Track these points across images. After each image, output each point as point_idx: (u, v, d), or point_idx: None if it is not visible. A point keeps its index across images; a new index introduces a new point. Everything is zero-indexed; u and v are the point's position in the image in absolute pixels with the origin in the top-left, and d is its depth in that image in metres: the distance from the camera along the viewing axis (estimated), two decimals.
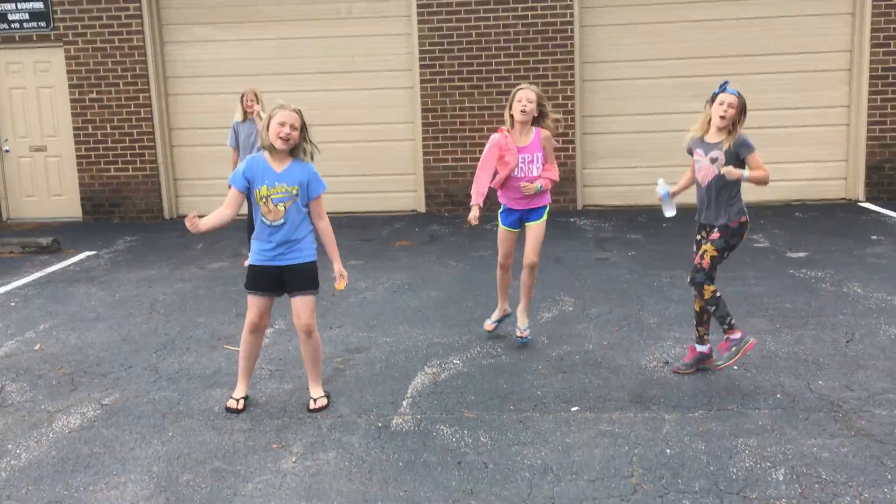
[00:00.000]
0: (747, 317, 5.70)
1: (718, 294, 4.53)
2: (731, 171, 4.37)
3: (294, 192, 4.27)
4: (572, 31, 10.23)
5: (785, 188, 10.38)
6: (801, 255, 7.63)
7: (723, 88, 4.48)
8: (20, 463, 3.90)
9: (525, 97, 5.07)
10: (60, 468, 3.83)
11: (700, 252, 4.56)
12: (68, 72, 10.65)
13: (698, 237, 4.69)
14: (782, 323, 5.61)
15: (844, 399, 4.29)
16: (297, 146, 4.30)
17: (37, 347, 5.66)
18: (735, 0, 10.20)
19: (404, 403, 4.46)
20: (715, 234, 4.53)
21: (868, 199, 10.33)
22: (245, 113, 7.77)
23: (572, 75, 10.34)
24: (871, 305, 5.93)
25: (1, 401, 4.70)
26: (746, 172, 4.41)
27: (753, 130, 11.01)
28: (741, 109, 4.45)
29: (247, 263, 4.56)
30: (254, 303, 4.39)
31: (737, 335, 4.52)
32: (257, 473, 3.71)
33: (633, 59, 10.41)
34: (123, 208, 10.92)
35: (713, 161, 4.50)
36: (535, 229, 5.29)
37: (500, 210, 5.34)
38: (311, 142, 4.34)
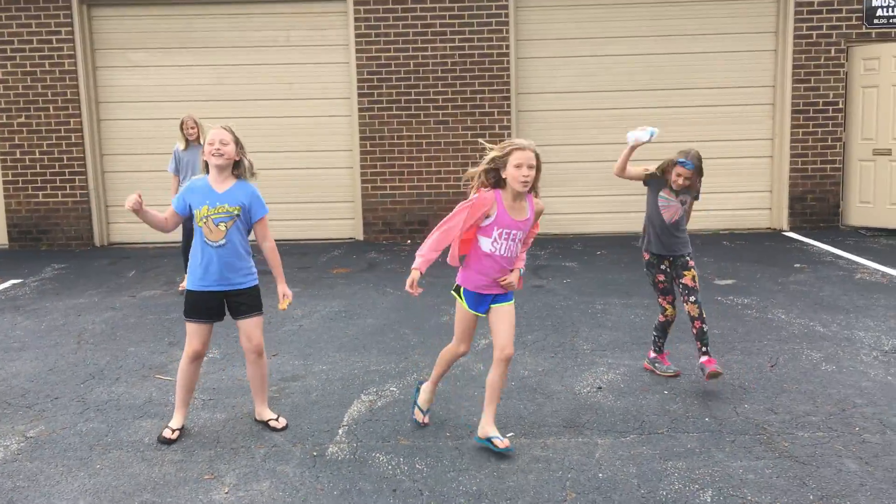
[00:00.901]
0: (677, 342, 5.84)
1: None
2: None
3: (235, 212, 4.25)
4: (508, 62, 10.43)
5: (713, 217, 10.72)
6: (729, 282, 7.87)
7: (682, 163, 4.88)
8: None
9: (526, 162, 3.99)
10: None
11: (690, 277, 5.00)
12: None
13: (662, 266, 5.09)
14: (710, 348, 5.76)
15: (769, 422, 4.43)
16: (238, 164, 4.29)
17: None
18: (668, 36, 10.56)
19: (340, 431, 4.44)
20: (691, 262, 5.04)
21: (792, 229, 10.73)
22: (186, 140, 7.68)
23: (508, 106, 10.52)
24: (794, 331, 6.15)
25: None
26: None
27: None
28: (699, 173, 4.96)
29: (183, 287, 4.51)
30: (195, 331, 4.33)
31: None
32: None
33: (568, 90, 10.66)
34: (52, 235, 10.64)
35: (683, 203, 5.03)
36: (507, 312, 4.13)
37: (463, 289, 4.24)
38: (246, 158, 4.34)
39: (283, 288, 4.44)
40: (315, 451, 4.19)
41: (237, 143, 4.29)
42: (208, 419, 4.65)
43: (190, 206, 4.26)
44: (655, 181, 5.04)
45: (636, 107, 10.55)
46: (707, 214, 10.78)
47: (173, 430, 4.38)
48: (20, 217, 10.59)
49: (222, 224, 4.23)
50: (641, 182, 5.12)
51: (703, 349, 5.00)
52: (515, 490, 3.72)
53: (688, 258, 5.05)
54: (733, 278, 8.02)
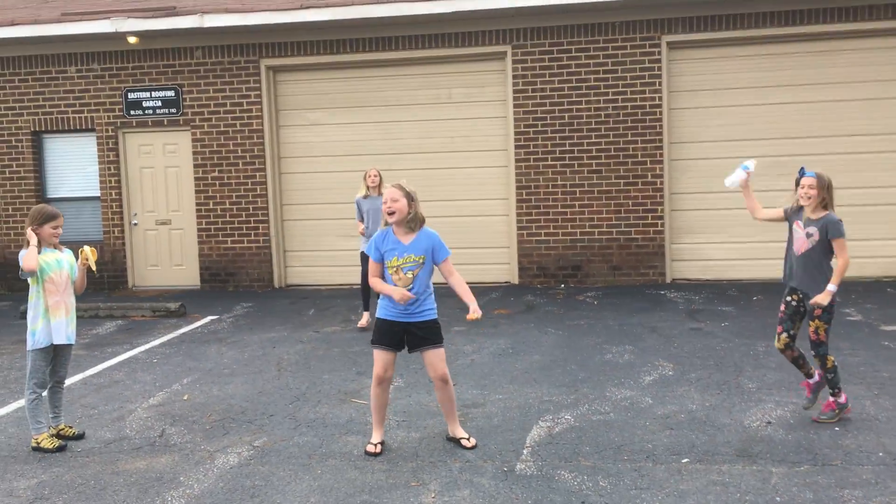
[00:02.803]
0: (845, 384, 5.92)
1: (836, 363, 5.19)
2: (820, 302, 5.01)
3: (421, 260, 4.83)
4: (661, 113, 10.77)
5: (875, 264, 10.53)
6: (895, 328, 7.80)
7: (802, 173, 5.13)
8: (193, 492, 4.46)
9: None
10: (230, 497, 4.37)
11: (814, 329, 5.11)
12: (193, 153, 11.70)
13: (788, 298, 5.27)
14: (880, 390, 5.84)
15: None
16: (412, 217, 4.85)
17: (185, 398, 6.31)
18: (826, 84, 10.59)
19: (525, 452, 4.89)
20: (818, 311, 5.07)
21: None
22: (367, 188, 8.48)
23: (661, 155, 10.83)
24: None
25: (164, 441, 5.31)
26: (832, 286, 5.01)
27: (846, 208, 11.39)
28: (825, 188, 5.05)
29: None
30: (379, 357, 4.91)
31: (842, 399, 5.15)
32: None
33: (720, 139, 10.85)
34: (237, 277, 11.76)
35: (808, 236, 5.09)
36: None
37: None
38: (419, 211, 4.87)
39: (474, 305, 4.85)
40: (505, 467, 4.66)
41: (408, 197, 4.86)
42: (405, 437, 5.22)
43: (383, 255, 4.88)
44: (793, 214, 5.27)
45: (788, 154, 10.57)
46: (868, 262, 10.60)
47: (375, 445, 4.96)
48: (211, 261, 11.79)
49: (410, 273, 4.81)
50: (785, 220, 5.36)
51: (804, 372, 5.28)
52: None
53: (817, 307, 5.04)
54: None
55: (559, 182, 11.05)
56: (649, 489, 4.27)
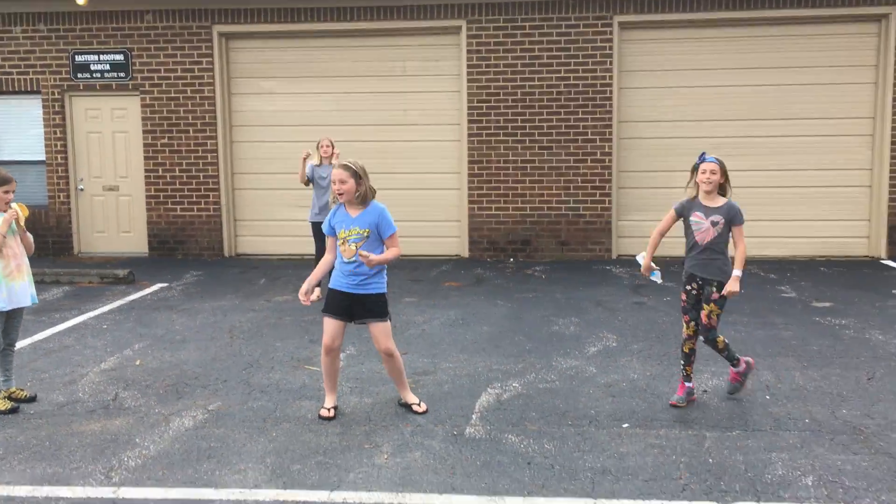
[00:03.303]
0: (778, 356, 6.28)
1: (726, 340, 5.31)
2: (733, 290, 5.05)
3: (365, 233, 4.94)
4: (611, 92, 11.00)
5: (810, 244, 10.99)
6: (826, 304, 8.19)
7: (702, 159, 5.18)
8: (150, 453, 4.54)
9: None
10: (186, 457, 4.47)
11: (707, 312, 5.15)
12: (143, 118, 11.54)
13: (688, 287, 5.28)
14: (809, 362, 6.18)
15: (865, 425, 4.85)
16: (362, 194, 4.96)
17: (137, 363, 6.34)
18: (772, 68, 10.93)
19: (473, 417, 5.07)
20: (715, 295, 5.12)
21: (890, 258, 10.88)
22: (321, 158, 8.51)
23: (610, 133, 11.07)
24: (890, 350, 6.48)
25: (118, 405, 5.36)
26: (738, 271, 5.07)
27: (785, 189, 11.75)
28: (724, 173, 5.15)
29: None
30: (328, 325, 5.01)
31: (742, 367, 5.35)
32: (356, 466, 4.33)
33: (669, 119, 11.13)
34: (186, 245, 11.69)
35: (714, 224, 5.13)
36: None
37: None
38: (368, 186, 4.98)
39: (371, 256, 4.82)
40: (455, 431, 4.83)
41: (356, 175, 4.96)
42: (358, 402, 5.36)
43: (334, 228, 4.99)
44: (685, 210, 5.24)
45: (736, 136, 10.93)
46: (804, 241, 11.06)
47: (329, 409, 5.09)
48: (160, 228, 11.69)
49: (354, 244, 4.92)
50: (679, 221, 5.33)
51: (685, 373, 5.30)
52: (635, 469, 4.27)
53: (714, 289, 5.11)
54: (831, 301, 8.33)
55: (510, 157, 11.22)
56: (591, 451, 4.50)
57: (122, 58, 11.44)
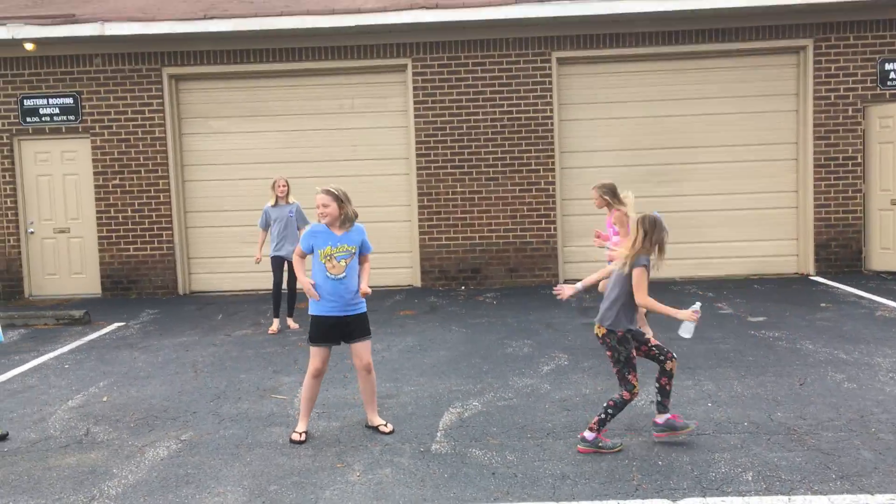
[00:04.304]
0: (717, 367, 6.72)
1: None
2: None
3: (353, 250, 5.26)
4: (552, 124, 11.51)
5: (743, 264, 11.60)
6: (760, 319, 8.71)
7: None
8: (129, 482, 4.71)
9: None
10: (165, 484, 4.65)
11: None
12: (93, 160, 11.63)
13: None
14: (746, 371, 6.62)
15: (798, 425, 5.28)
16: (345, 217, 5.28)
17: (104, 399, 6.46)
18: (702, 98, 11.59)
19: (438, 434, 5.35)
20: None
21: (818, 274, 11.54)
22: (276, 198, 8.75)
23: (553, 163, 11.56)
24: (820, 358, 6.98)
25: (91, 439, 5.50)
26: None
27: (717, 213, 12.31)
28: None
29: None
30: (317, 353, 5.28)
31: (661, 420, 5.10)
32: (330, 484, 4.57)
33: (606, 149, 11.69)
34: (140, 284, 11.75)
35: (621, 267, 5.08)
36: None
37: None
38: (350, 209, 5.32)
39: (364, 287, 5.28)
40: (421, 447, 5.11)
41: (338, 200, 5.29)
42: (326, 426, 5.59)
43: (313, 246, 5.28)
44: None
45: (669, 163, 11.54)
46: (737, 261, 11.67)
47: (300, 434, 5.32)
48: (113, 269, 11.74)
49: (343, 261, 5.23)
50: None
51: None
52: (591, 473, 4.60)
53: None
54: (764, 316, 8.86)
55: (458, 189, 11.61)
56: (551, 460, 4.82)
57: (72, 101, 11.54)
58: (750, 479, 4.45)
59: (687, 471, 4.58)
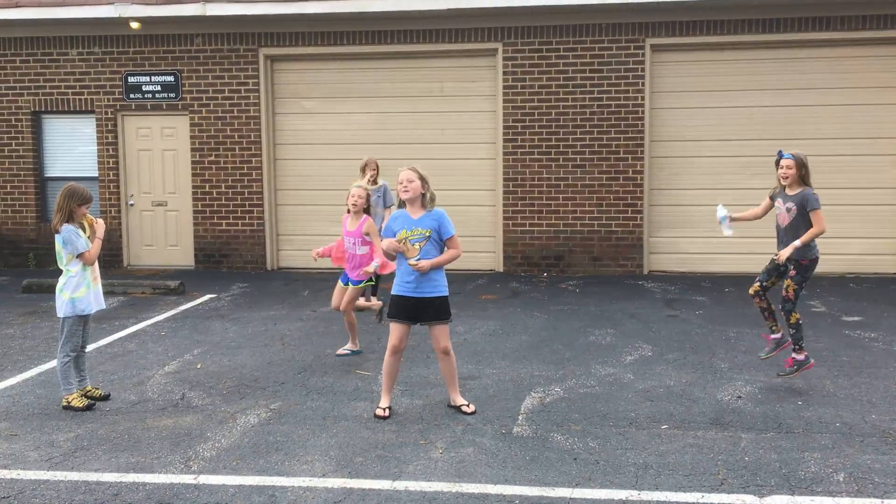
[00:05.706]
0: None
1: (801, 321, 5.91)
2: (781, 257, 5.79)
3: (427, 234, 5.32)
4: (643, 112, 11.31)
5: (839, 261, 11.18)
6: (856, 318, 8.41)
7: (780, 155, 5.96)
8: (222, 445, 4.91)
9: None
10: (256, 450, 4.83)
11: (784, 287, 5.85)
12: (191, 137, 12.04)
13: (773, 257, 5.95)
14: (839, 371, 6.42)
15: (894, 429, 5.10)
16: (423, 196, 5.34)
17: (198, 366, 6.73)
18: (798, 89, 11.19)
19: (520, 418, 5.38)
20: (792, 272, 5.84)
21: None
22: (368, 179, 8.91)
23: (641, 152, 11.37)
24: None
25: (186, 403, 5.74)
26: (797, 242, 5.72)
27: None
28: (800, 166, 5.88)
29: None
30: (395, 329, 5.39)
31: (801, 356, 5.88)
32: (414, 459, 4.66)
33: (698, 139, 11.42)
34: (231, 259, 12.14)
35: (788, 210, 5.85)
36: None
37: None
38: (430, 192, 5.40)
39: (424, 262, 5.25)
40: (503, 429, 5.15)
41: (422, 179, 5.37)
42: (409, 403, 5.69)
43: (394, 230, 5.37)
44: (777, 195, 6.01)
45: (762, 155, 11.17)
46: (832, 258, 11.23)
47: (384, 409, 5.43)
48: (206, 242, 12.16)
49: (417, 244, 5.29)
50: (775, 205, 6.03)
51: (768, 325, 6.06)
52: (675, 465, 4.56)
53: (791, 268, 5.83)
54: (860, 315, 8.55)
55: (544, 175, 11.56)
56: (633, 449, 4.79)
57: (173, 79, 11.96)
58: (841, 479, 4.33)
59: (775, 468, 4.49)
